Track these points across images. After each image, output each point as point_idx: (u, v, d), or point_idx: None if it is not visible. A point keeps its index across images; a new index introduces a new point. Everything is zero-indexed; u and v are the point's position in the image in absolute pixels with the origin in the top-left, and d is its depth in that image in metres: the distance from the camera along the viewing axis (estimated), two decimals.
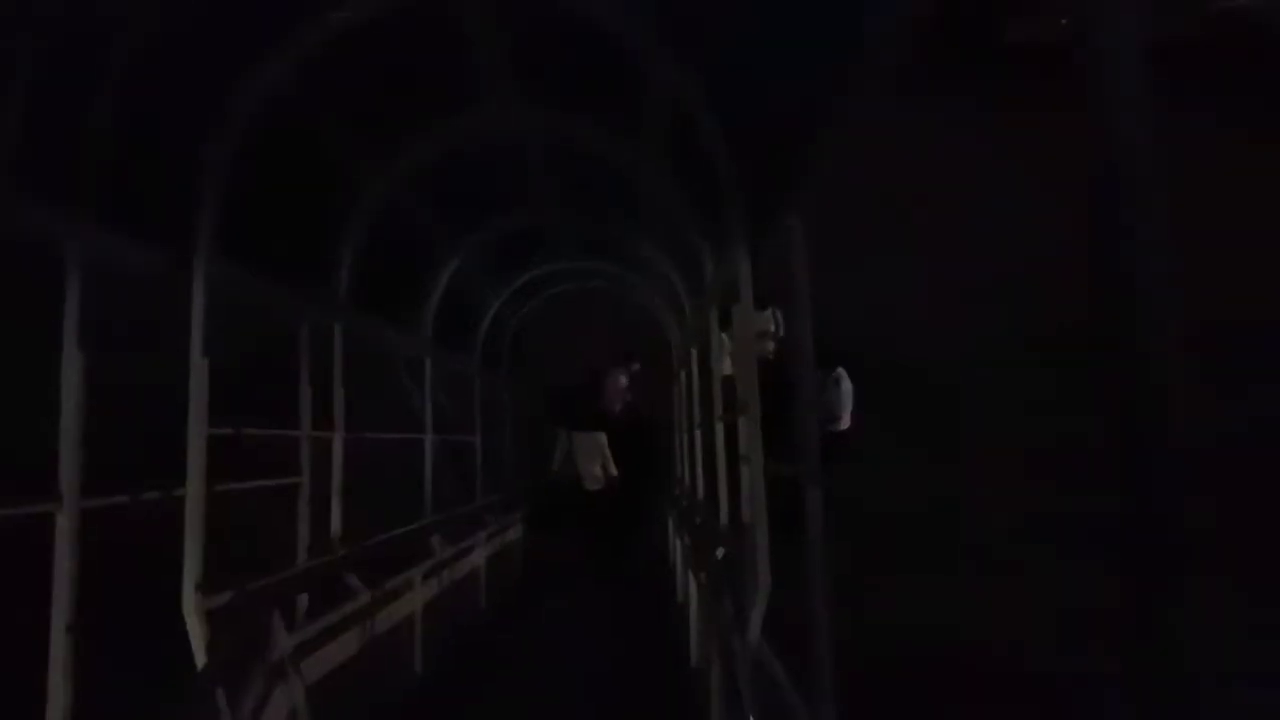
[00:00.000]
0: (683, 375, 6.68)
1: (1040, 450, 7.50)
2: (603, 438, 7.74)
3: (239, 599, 2.72)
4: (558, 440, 8.07)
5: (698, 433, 5.25)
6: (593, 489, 7.67)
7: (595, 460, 7.77)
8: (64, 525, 2.21)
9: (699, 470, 5.20)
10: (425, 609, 4.54)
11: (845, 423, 7.61)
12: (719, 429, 3.89)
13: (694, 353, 5.46)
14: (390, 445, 6.69)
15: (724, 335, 7.67)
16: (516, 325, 8.18)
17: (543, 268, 7.04)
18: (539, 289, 7.65)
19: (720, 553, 3.58)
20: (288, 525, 3.52)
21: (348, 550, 3.77)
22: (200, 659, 2.48)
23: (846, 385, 7.57)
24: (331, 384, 3.91)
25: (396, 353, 5.82)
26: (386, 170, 4.00)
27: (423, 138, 3.94)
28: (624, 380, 8.39)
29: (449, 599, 5.13)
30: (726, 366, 7.95)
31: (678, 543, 5.89)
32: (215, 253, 2.71)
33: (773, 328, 9.90)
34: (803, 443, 2.31)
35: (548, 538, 7.79)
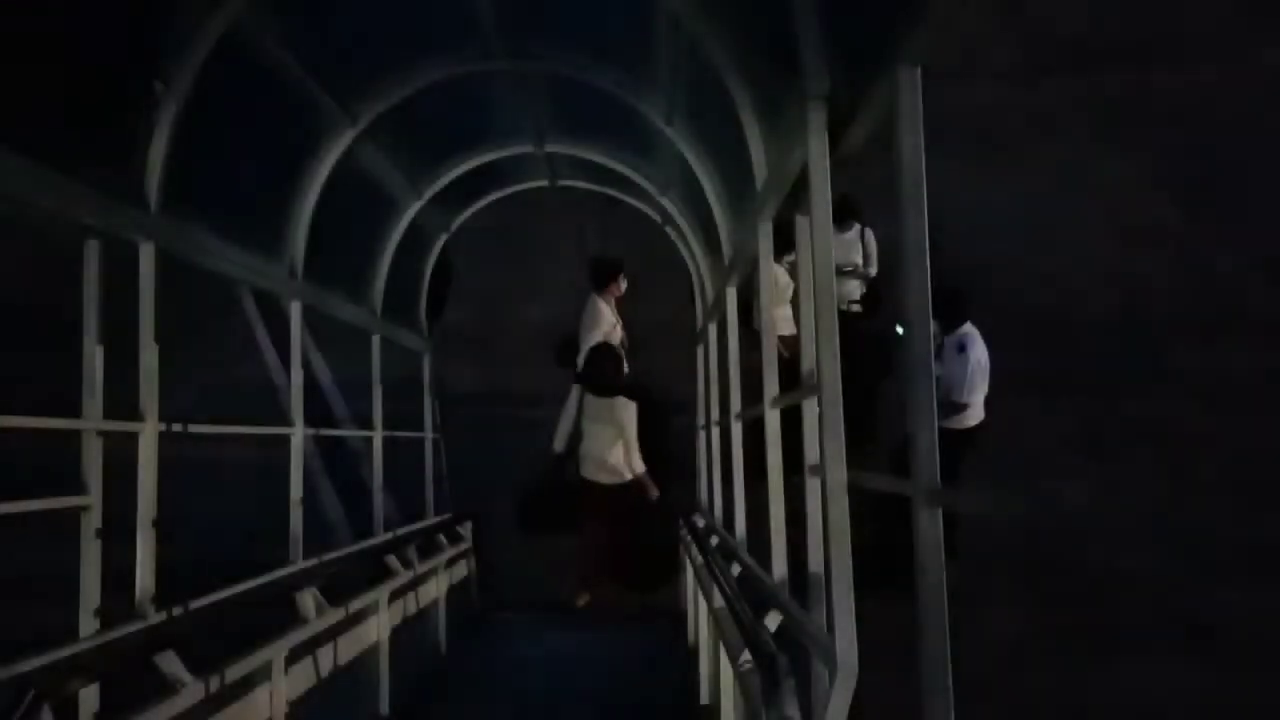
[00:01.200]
0: (711, 333, 6.61)
1: None
2: (626, 410, 7.71)
3: None
4: (563, 410, 8.31)
5: (734, 425, 5.16)
6: (599, 480, 7.82)
7: (609, 441, 7.76)
8: None
9: (736, 485, 5.13)
10: (291, 711, 4.49)
11: (976, 411, 7.54)
12: (772, 418, 3.79)
13: (729, 297, 5.34)
14: (244, 447, 6.85)
15: (780, 268, 7.72)
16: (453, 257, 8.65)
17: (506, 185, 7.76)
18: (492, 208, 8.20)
19: (773, 623, 3.51)
20: (67, 574, 3.45)
21: (165, 617, 3.71)
22: None
23: (977, 353, 7.46)
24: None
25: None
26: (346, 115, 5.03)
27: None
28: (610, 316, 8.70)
29: (334, 691, 5.10)
30: (782, 319, 8.09)
31: (700, 604, 5.84)
32: None
33: (859, 260, 9.82)
34: (912, 442, 2.20)
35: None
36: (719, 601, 4.72)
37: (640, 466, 7.75)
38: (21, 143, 3.09)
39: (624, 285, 8.81)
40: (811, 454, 3.35)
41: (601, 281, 8.71)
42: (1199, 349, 9.17)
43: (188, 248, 4.25)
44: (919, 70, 2.20)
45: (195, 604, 3.98)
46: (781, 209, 3.51)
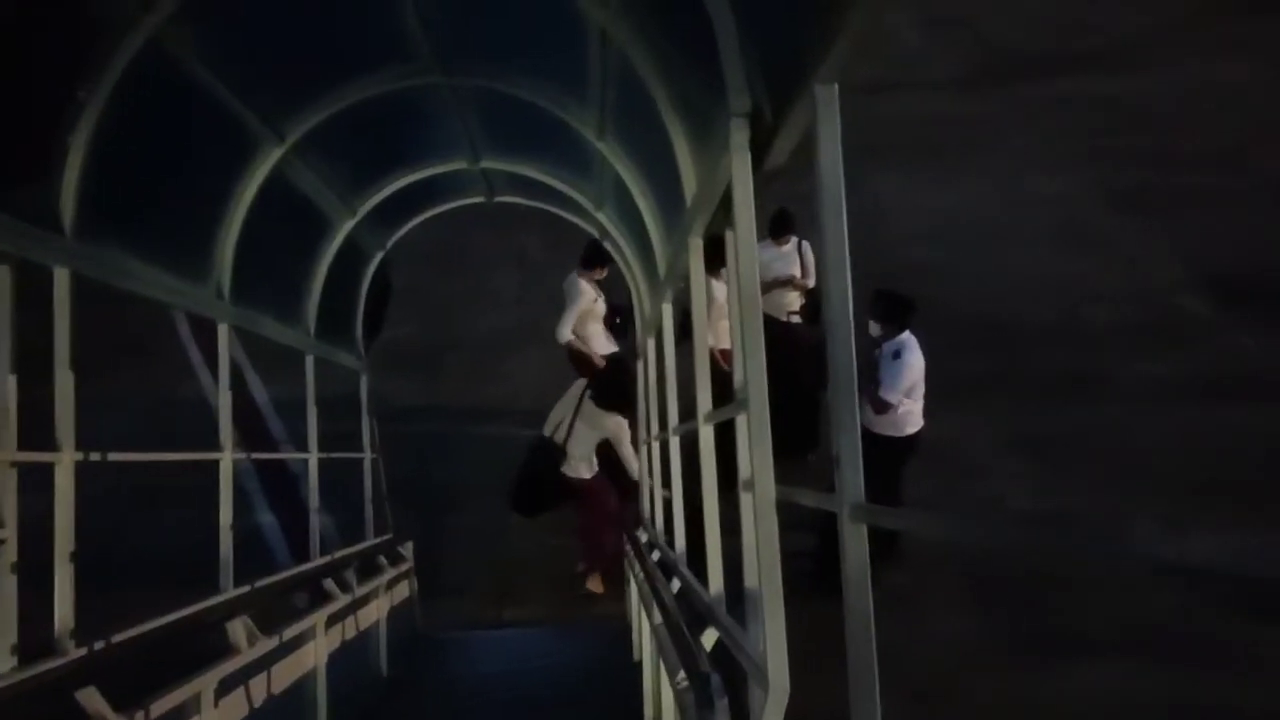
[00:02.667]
0: (649, 347, 6.61)
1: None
2: (624, 426, 8.10)
3: None
4: (563, 399, 8.53)
5: (671, 439, 5.16)
6: (577, 476, 8.26)
7: (593, 442, 8.20)
8: None
9: (676, 502, 5.12)
10: None
11: (915, 418, 7.61)
12: (706, 433, 3.79)
13: (665, 312, 5.35)
14: (161, 474, 6.74)
15: (719, 282, 7.77)
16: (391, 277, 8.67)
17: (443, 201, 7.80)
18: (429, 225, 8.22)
19: (710, 639, 3.50)
20: None
21: (86, 651, 3.62)
22: None
23: (915, 358, 7.53)
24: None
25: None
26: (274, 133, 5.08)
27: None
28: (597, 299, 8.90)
29: None
30: (723, 333, 8.13)
31: (643, 619, 5.82)
32: None
33: (797, 272, 9.88)
34: (837, 457, 2.21)
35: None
36: (658, 618, 4.70)
37: (635, 464, 8.16)
38: None
39: (604, 275, 8.90)
40: (745, 468, 3.36)
41: (588, 263, 8.76)
42: (1135, 355, 9.36)
43: (106, 271, 4.16)
44: (835, 86, 2.22)
45: (118, 637, 3.87)
46: (714, 224, 3.51)
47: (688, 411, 4.48)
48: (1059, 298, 10.04)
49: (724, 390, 3.88)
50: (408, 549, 8.24)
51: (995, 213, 11.02)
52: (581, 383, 8.43)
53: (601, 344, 8.86)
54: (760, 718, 2.55)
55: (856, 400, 2.24)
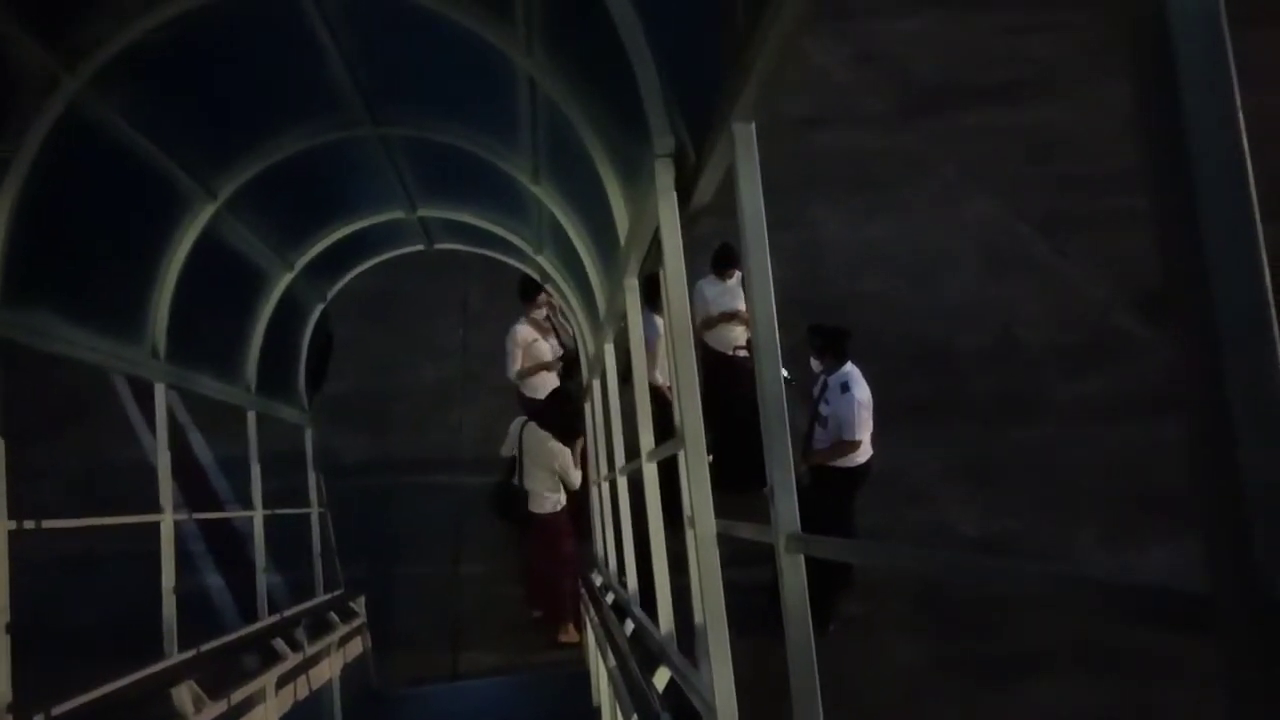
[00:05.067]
0: (594, 388, 6.62)
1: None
2: (558, 452, 8.12)
3: None
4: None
5: (619, 479, 5.16)
6: (538, 511, 8.32)
7: (544, 478, 8.22)
8: None
9: (626, 542, 5.11)
10: None
11: (865, 448, 7.67)
12: (650, 471, 3.80)
13: (608, 353, 5.36)
14: (102, 539, 6.59)
15: (658, 318, 7.81)
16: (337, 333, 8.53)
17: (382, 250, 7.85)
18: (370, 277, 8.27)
19: (663, 680, 3.48)
20: None
21: None
22: None
23: (861, 392, 7.60)
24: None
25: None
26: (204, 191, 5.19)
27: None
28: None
29: None
30: (663, 370, 8.19)
31: (599, 663, 5.77)
32: None
33: (742, 305, 9.95)
34: (771, 489, 2.23)
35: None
36: (613, 661, 4.67)
37: (577, 478, 8.19)
38: None
39: (543, 306, 8.87)
40: (687, 504, 3.37)
41: (524, 297, 8.75)
42: (1070, 375, 9.52)
43: (35, 337, 4.08)
44: (753, 125, 2.26)
45: (57, 710, 3.77)
46: (649, 262, 3.54)
47: (634, 450, 4.49)
48: (993, 322, 10.21)
49: (672, 426, 3.90)
50: (359, 604, 8.11)
51: (928, 241, 11.20)
52: (519, 421, 8.48)
53: (547, 381, 8.84)
54: None
55: (788, 432, 2.26)
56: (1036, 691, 6.56)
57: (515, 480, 8.42)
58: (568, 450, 8.15)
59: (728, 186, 2.62)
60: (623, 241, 3.86)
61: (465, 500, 9.51)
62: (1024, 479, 8.58)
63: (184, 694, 4.61)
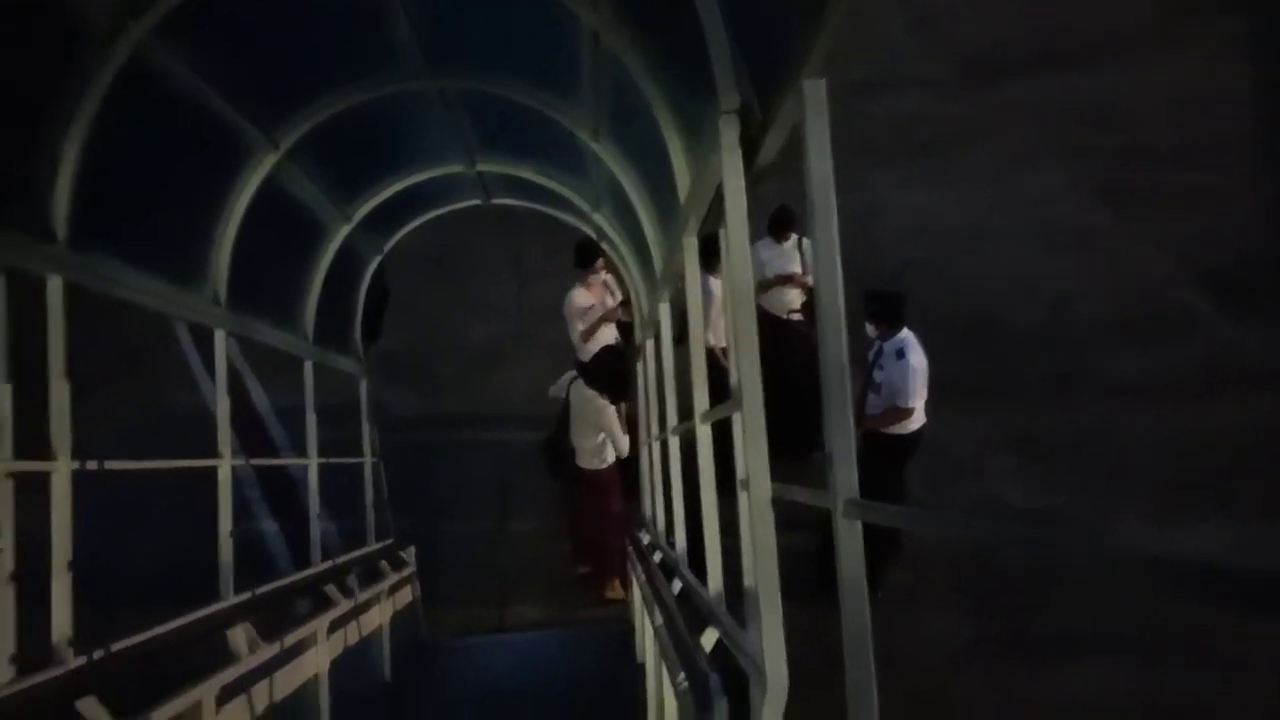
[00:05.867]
0: (648, 348, 6.59)
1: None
2: (603, 411, 8.19)
3: None
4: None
5: (670, 439, 5.14)
6: (586, 467, 8.46)
7: (590, 435, 8.32)
8: None
9: (674, 500, 5.09)
10: None
11: (918, 416, 7.58)
12: (703, 433, 3.77)
13: (663, 312, 5.32)
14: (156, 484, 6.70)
15: (717, 280, 7.75)
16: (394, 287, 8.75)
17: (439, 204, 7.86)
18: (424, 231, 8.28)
19: (711, 640, 3.47)
20: None
21: (85, 661, 3.58)
22: None
23: (917, 359, 7.50)
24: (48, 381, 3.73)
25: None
26: (267, 139, 5.21)
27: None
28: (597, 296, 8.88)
29: None
30: (724, 331, 8.13)
31: (646, 621, 5.79)
32: None
33: (798, 268, 9.84)
34: (830, 453, 2.18)
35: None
36: (660, 619, 4.68)
37: (625, 444, 8.29)
38: None
39: (599, 271, 8.81)
40: (741, 467, 3.34)
41: (580, 263, 8.73)
42: (1127, 351, 9.32)
43: (100, 280, 4.13)
44: (823, 82, 2.20)
45: (117, 646, 3.85)
46: (709, 222, 3.49)
47: (687, 411, 4.46)
48: (1048, 295, 10.00)
49: (725, 389, 3.87)
50: (410, 554, 8.22)
51: (983, 211, 10.98)
52: (570, 374, 8.53)
53: (606, 336, 8.83)
54: (759, 717, 2.52)
55: (849, 396, 2.21)
56: (1078, 673, 6.47)
57: (563, 437, 8.48)
58: (613, 410, 8.20)
59: (792, 147, 2.57)
60: (682, 200, 3.80)
61: (514, 457, 9.57)
62: (1074, 455, 8.43)
63: (239, 635, 4.70)
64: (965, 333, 9.35)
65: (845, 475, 2.12)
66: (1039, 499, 8.08)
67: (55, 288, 3.75)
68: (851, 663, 2.07)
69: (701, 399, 3.82)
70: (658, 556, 5.95)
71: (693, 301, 3.85)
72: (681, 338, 5.55)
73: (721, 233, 3.17)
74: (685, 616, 4.04)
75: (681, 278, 4.07)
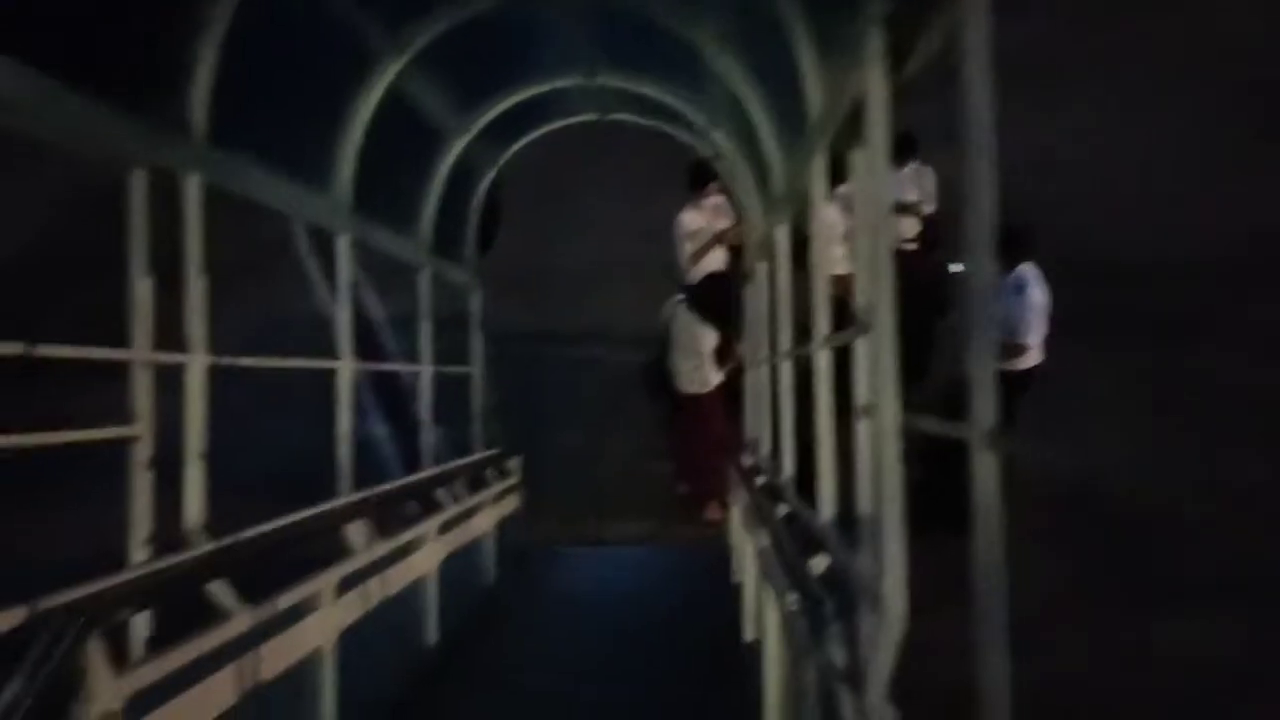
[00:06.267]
0: (762, 270, 6.50)
1: None
2: (703, 335, 8.26)
3: (35, 621, 2.67)
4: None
5: (782, 363, 5.08)
6: (686, 390, 8.56)
7: (690, 358, 8.42)
8: None
9: (784, 427, 5.05)
10: (342, 640, 4.53)
11: (1033, 352, 7.39)
12: (822, 358, 3.70)
13: (780, 235, 5.22)
14: (281, 379, 6.89)
15: (832, 205, 7.57)
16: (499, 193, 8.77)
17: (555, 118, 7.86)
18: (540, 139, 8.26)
19: (820, 564, 3.45)
20: (114, 505, 3.46)
21: (215, 546, 3.71)
22: None
23: (1036, 295, 7.27)
24: (182, 277, 3.82)
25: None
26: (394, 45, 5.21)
27: None
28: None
29: (382, 622, 5.14)
30: (836, 258, 7.98)
31: (746, 541, 5.80)
32: None
33: (915, 197, 9.52)
34: (971, 383, 2.10)
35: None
36: (765, 541, 4.68)
37: (716, 379, 8.36)
38: (69, 73, 3.05)
39: (712, 194, 8.76)
40: (862, 394, 3.27)
41: (692, 185, 8.71)
42: (1257, 298, 8.86)
43: (234, 179, 4.21)
44: None
45: (245, 534, 3.99)
46: (834, 142, 3.38)
47: (802, 336, 4.40)
48: (1179, 236, 9.52)
49: (839, 317, 3.81)
50: (515, 464, 8.37)
51: (1117, 146, 10.46)
52: (676, 298, 8.56)
53: (713, 262, 8.76)
54: (875, 645, 2.49)
55: (993, 324, 2.12)
56: (1180, 626, 6.28)
57: (666, 359, 8.49)
58: (713, 336, 8.21)
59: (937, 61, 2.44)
60: (812, 118, 3.69)
61: (618, 374, 9.63)
62: (1197, 403, 8.10)
63: (358, 530, 4.84)
64: (1091, 271, 8.99)
65: (984, 405, 2.04)
66: (1155, 447, 7.79)
67: (194, 185, 3.83)
68: (984, 601, 2.02)
69: (822, 323, 3.75)
70: (761, 480, 5.94)
71: (818, 224, 3.76)
72: (799, 260, 5.48)
73: (859, 152, 3.07)
74: (792, 540, 4.02)
75: (804, 199, 3.98)
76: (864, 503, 3.15)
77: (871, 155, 2.64)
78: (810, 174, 3.70)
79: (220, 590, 3.62)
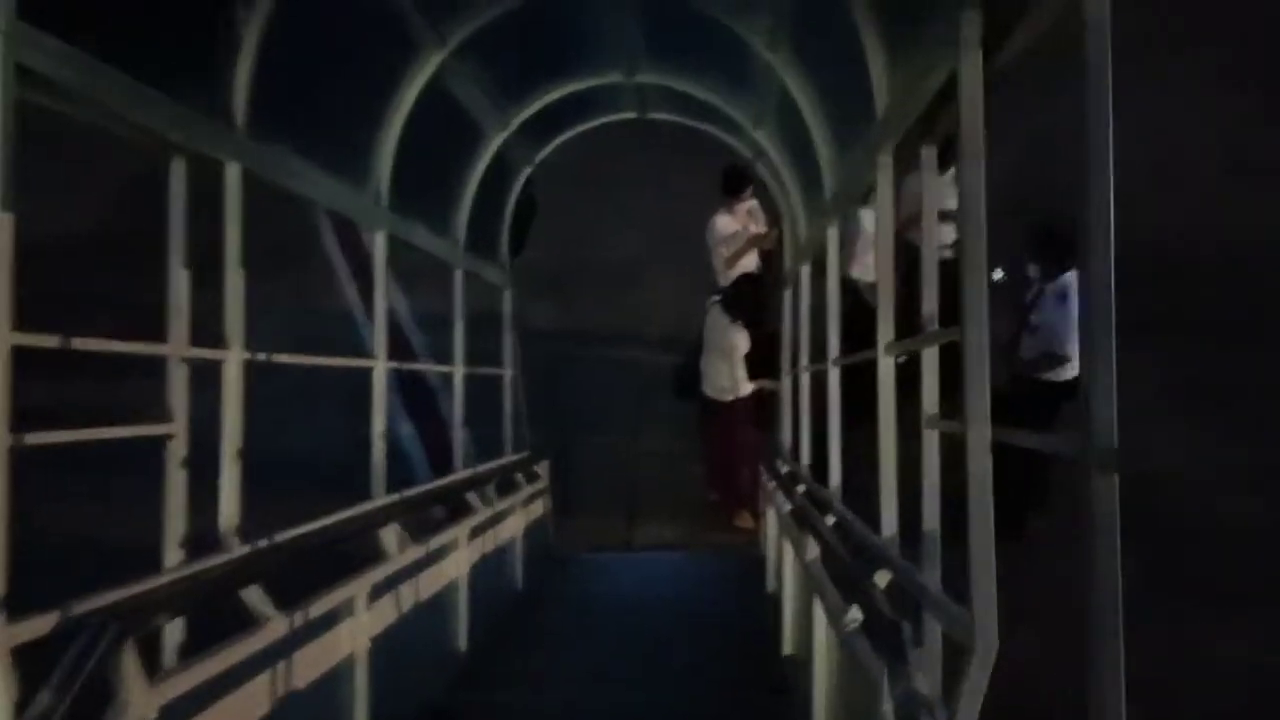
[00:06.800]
0: (803, 275, 6.34)
1: None
2: (736, 338, 8.11)
3: (67, 627, 2.57)
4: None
5: (830, 371, 4.91)
6: (713, 397, 8.38)
7: (720, 363, 8.25)
8: None
9: (831, 435, 4.88)
10: (374, 646, 4.40)
11: (1075, 362, 7.15)
12: (887, 366, 3.54)
13: (831, 236, 5.06)
14: (313, 377, 6.75)
15: (865, 211, 7.38)
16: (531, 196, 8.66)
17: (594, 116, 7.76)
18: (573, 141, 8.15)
19: (883, 581, 3.28)
20: (149, 506, 3.33)
21: (250, 551, 3.60)
22: None
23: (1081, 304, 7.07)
24: (221, 271, 3.70)
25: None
26: (436, 37, 5.10)
27: None
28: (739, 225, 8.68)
29: (415, 628, 5.01)
30: (864, 266, 7.78)
31: (786, 551, 5.63)
32: None
33: (954, 204, 9.27)
34: (1087, 395, 1.94)
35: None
36: (813, 553, 4.52)
37: (747, 389, 8.15)
38: (110, 57, 2.94)
39: (746, 200, 8.65)
40: (929, 404, 3.11)
41: (728, 190, 8.57)
42: None
43: (274, 170, 4.07)
44: None
45: (280, 537, 3.86)
46: (908, 139, 3.22)
47: (852, 341, 4.23)
48: (1236, 234, 9.17)
49: (869, 327, 3.66)
50: (544, 468, 8.23)
51: (1172, 137, 10.08)
52: (711, 299, 8.43)
53: (747, 264, 8.62)
54: (966, 673, 2.31)
55: (1112, 329, 1.95)
56: (1242, 630, 6.06)
57: (698, 361, 8.34)
58: (744, 341, 8.07)
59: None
60: (880, 113, 3.52)
61: (649, 376, 9.48)
62: (1256, 407, 7.83)
63: (390, 535, 4.72)
64: (1144, 271, 8.68)
65: (1105, 419, 1.87)
66: (1212, 454, 7.53)
67: (234, 174, 3.69)
68: (1097, 629, 1.85)
69: (887, 329, 3.57)
70: (803, 488, 5.78)
71: (884, 225, 3.59)
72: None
73: (926, 150, 2.92)
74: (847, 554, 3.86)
75: (860, 199, 3.82)
76: (929, 519, 2.99)
77: (967, 148, 2.45)
78: (877, 172, 3.53)
79: (255, 597, 3.49)
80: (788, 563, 5.64)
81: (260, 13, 3.77)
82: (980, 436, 2.38)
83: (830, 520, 4.54)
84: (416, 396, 9.34)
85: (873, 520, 3.60)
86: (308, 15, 4.01)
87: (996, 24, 2.37)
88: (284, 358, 4.34)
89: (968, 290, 2.41)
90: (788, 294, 7.23)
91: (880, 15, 3.39)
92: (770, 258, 8.61)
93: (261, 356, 3.98)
